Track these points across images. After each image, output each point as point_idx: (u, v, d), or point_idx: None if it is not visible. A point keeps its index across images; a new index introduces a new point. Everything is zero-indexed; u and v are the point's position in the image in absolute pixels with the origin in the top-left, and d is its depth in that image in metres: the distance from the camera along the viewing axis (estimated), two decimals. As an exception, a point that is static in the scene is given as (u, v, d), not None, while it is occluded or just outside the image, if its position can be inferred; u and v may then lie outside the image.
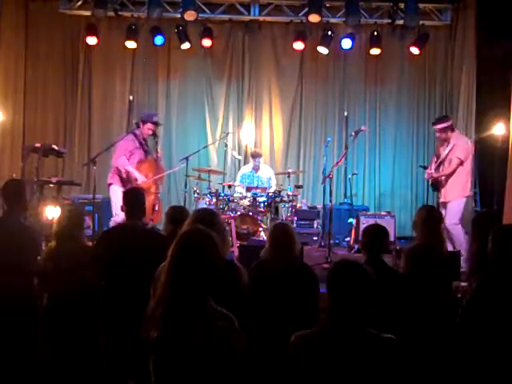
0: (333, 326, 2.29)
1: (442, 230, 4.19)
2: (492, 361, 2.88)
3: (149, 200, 6.39)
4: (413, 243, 4.40)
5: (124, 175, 6.70)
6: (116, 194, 6.58)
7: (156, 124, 6.96)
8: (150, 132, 6.88)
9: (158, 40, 8.73)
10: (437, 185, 6.92)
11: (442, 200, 6.77)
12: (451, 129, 6.76)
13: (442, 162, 6.76)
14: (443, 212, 6.76)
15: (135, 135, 6.86)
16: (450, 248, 6.46)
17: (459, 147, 6.66)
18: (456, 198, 6.66)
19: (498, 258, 3.00)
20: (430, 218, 4.17)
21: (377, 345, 2.26)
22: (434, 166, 6.90)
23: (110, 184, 6.80)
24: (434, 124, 6.97)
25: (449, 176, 6.67)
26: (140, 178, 6.66)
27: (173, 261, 2.33)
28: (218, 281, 2.36)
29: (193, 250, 2.32)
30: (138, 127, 6.90)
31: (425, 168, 7.38)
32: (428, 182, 7.68)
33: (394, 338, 2.30)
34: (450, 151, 6.66)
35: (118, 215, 6.57)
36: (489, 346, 2.90)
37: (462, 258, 5.11)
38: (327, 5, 8.66)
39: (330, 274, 2.37)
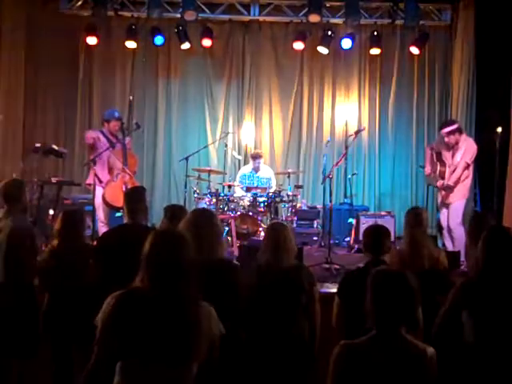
0: (379, 335, 2.32)
1: (422, 235, 4.12)
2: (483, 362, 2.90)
3: (121, 181, 6.88)
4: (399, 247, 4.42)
5: (90, 141, 6.91)
6: (96, 195, 6.72)
7: (119, 119, 7.21)
8: (117, 128, 7.14)
9: (158, 40, 8.73)
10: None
11: (443, 200, 6.75)
12: (460, 131, 6.68)
13: (455, 169, 6.66)
14: (445, 212, 6.75)
15: (102, 132, 7.17)
16: (450, 248, 6.49)
17: (468, 152, 6.61)
18: (459, 199, 6.66)
19: (490, 259, 3.00)
20: (414, 222, 4.15)
21: (416, 354, 2.29)
22: (446, 170, 6.73)
23: (89, 184, 6.93)
24: (441, 128, 6.82)
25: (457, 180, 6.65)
26: (105, 143, 6.86)
27: (147, 259, 2.39)
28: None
29: (165, 249, 2.38)
30: (125, 131, 7.23)
31: (423, 168, 7.34)
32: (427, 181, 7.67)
33: (433, 349, 2.34)
34: (462, 157, 6.60)
35: (104, 223, 6.69)
36: (480, 343, 2.91)
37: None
38: (327, 5, 8.65)
39: (374, 284, 2.40)
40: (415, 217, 4.19)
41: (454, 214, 6.60)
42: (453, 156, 6.69)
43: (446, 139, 6.66)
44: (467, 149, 6.62)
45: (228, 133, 8.49)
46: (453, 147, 6.67)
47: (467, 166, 6.62)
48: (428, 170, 6.92)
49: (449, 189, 6.67)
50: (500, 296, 2.91)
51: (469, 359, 2.92)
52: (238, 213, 7.47)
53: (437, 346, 2.41)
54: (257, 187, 7.95)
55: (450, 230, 6.63)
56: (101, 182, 6.73)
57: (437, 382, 2.34)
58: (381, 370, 2.25)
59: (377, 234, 3.68)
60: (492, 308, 2.89)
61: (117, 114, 7.28)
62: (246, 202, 7.62)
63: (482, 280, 2.98)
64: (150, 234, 2.46)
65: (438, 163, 6.78)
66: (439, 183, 6.79)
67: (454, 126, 6.67)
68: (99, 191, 6.79)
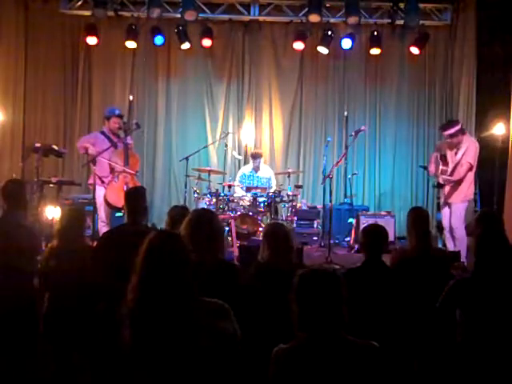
0: (308, 337, 2.26)
1: (429, 232, 4.10)
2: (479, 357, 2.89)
3: (122, 181, 6.84)
4: (404, 246, 4.39)
5: (82, 151, 6.88)
6: (98, 195, 6.74)
7: (120, 117, 7.15)
8: (117, 125, 7.08)
9: (158, 40, 8.73)
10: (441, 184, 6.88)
11: (446, 200, 6.72)
12: (462, 132, 6.60)
13: (455, 166, 6.60)
14: (447, 211, 6.72)
15: (103, 133, 7.11)
16: (451, 248, 6.48)
17: (470, 151, 6.53)
18: (462, 201, 6.59)
19: (483, 258, 3.02)
20: (419, 220, 4.12)
21: (355, 352, 2.21)
22: (449, 168, 6.64)
23: (91, 184, 6.93)
24: (443, 130, 6.70)
25: (460, 180, 6.59)
26: (93, 149, 6.79)
27: (142, 266, 2.33)
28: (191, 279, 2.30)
29: (161, 254, 2.32)
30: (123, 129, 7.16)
31: (425, 168, 7.34)
32: (428, 181, 7.66)
33: (375, 344, 2.25)
34: (463, 155, 6.53)
35: (105, 223, 6.68)
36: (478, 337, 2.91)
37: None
38: (327, 5, 8.66)
39: (296, 286, 2.33)
40: (426, 217, 4.14)
41: (456, 215, 6.54)
42: (456, 154, 6.62)
43: (449, 140, 6.60)
44: (470, 148, 6.53)
45: (228, 133, 8.49)
46: (455, 146, 6.63)
47: (471, 167, 6.53)
48: (432, 169, 6.86)
49: (451, 182, 6.60)
50: (492, 295, 2.92)
51: (460, 357, 2.93)
52: (238, 213, 7.47)
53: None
54: (257, 187, 7.95)
55: (451, 230, 6.60)
56: (102, 182, 6.73)
57: (427, 380, 2.32)
58: (313, 372, 2.20)
59: (374, 233, 3.67)
60: (483, 306, 2.91)
61: (117, 112, 7.23)
62: (246, 202, 7.63)
63: (475, 279, 3.00)
64: (149, 235, 2.40)
65: (441, 162, 6.74)
66: (441, 179, 6.72)
67: (456, 128, 6.56)
68: (101, 191, 6.78)
